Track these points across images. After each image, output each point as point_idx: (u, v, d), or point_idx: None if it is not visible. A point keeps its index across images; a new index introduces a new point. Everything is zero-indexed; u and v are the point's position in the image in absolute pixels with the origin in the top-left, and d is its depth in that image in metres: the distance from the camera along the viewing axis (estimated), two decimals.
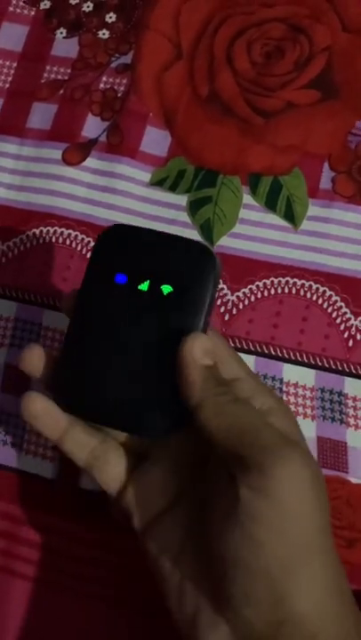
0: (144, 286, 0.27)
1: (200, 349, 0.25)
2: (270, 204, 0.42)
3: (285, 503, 0.21)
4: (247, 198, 0.42)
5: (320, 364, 0.39)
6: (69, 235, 0.42)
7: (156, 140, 0.44)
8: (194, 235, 0.42)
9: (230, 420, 0.23)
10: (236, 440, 0.23)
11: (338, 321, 0.39)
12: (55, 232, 0.42)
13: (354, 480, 0.37)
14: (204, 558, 0.23)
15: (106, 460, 0.28)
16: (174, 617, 0.24)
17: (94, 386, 0.26)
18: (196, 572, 0.24)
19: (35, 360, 0.28)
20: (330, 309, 0.39)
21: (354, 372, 0.38)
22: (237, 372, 0.27)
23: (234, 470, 0.23)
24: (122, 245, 0.28)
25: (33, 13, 0.48)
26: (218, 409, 0.24)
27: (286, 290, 0.40)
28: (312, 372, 0.38)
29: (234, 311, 0.40)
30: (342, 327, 0.39)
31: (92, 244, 0.42)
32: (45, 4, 0.49)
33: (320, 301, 0.40)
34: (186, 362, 0.25)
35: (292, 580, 0.21)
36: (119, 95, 0.45)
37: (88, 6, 0.48)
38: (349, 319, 0.39)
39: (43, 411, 0.27)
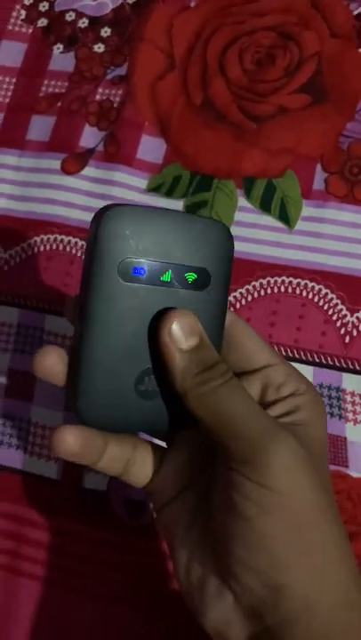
0: (166, 277, 0.24)
1: (179, 330, 0.23)
2: (265, 206, 0.43)
3: (273, 485, 0.21)
4: (242, 201, 0.43)
5: (318, 360, 0.39)
6: (69, 242, 0.43)
7: (151, 147, 0.45)
8: None
9: (214, 410, 0.23)
10: (222, 431, 0.23)
11: (334, 318, 0.40)
12: (55, 239, 0.43)
13: (354, 474, 0.37)
14: (209, 534, 0.24)
15: (136, 463, 0.27)
16: (182, 589, 0.25)
17: (110, 396, 0.24)
18: (202, 547, 0.25)
19: (53, 365, 0.25)
20: (326, 307, 0.40)
21: (351, 367, 0.39)
22: (270, 358, 0.26)
23: (225, 456, 0.23)
24: (128, 230, 0.23)
25: (31, 31, 0.50)
26: (200, 400, 0.23)
27: (283, 289, 0.41)
28: (310, 368, 0.39)
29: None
30: (339, 324, 0.40)
31: None
32: (43, 22, 0.50)
33: (316, 299, 0.40)
34: (163, 347, 0.23)
35: (285, 552, 0.22)
36: (115, 106, 0.46)
37: (83, 22, 0.49)
38: (346, 316, 0.40)
39: (81, 444, 0.24)
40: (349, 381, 0.38)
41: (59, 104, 0.47)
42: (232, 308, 0.41)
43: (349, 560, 0.23)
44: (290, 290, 0.41)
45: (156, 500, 0.27)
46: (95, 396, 0.24)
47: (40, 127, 0.47)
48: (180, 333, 0.23)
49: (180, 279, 0.24)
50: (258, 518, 0.22)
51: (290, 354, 0.39)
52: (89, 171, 0.45)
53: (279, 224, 0.42)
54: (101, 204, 0.44)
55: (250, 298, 0.41)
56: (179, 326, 0.23)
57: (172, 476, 0.27)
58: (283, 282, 0.41)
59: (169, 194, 0.44)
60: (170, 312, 0.23)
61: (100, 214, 0.24)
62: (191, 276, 0.24)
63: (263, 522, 0.22)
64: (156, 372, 0.24)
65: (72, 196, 0.44)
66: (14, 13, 0.51)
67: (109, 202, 0.44)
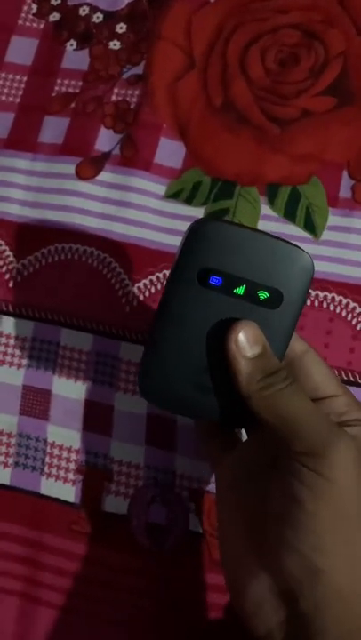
0: (240, 290, 0.27)
1: (245, 340, 0.26)
2: (289, 215, 0.41)
3: (328, 475, 0.23)
4: (265, 209, 0.41)
5: (345, 378, 0.38)
6: (85, 251, 0.41)
7: (170, 151, 0.43)
8: None
9: (277, 411, 0.25)
10: (285, 429, 0.24)
11: None
12: (70, 248, 0.42)
13: None
14: (259, 521, 0.26)
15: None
16: (224, 571, 0.27)
17: (168, 380, 0.27)
18: (248, 533, 0.26)
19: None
20: (354, 322, 0.38)
21: None
22: (335, 390, 0.28)
23: (287, 449, 0.24)
24: (215, 243, 0.27)
25: (42, 26, 0.48)
26: (264, 402, 0.25)
27: (309, 302, 0.39)
28: None
29: None
30: None
31: (108, 259, 0.41)
32: (55, 17, 0.48)
33: (344, 314, 0.39)
34: (230, 354, 0.26)
35: (330, 537, 0.23)
36: (132, 107, 0.44)
37: (98, 17, 0.47)
38: None
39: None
40: None
41: (72, 105, 0.45)
42: None
43: None
44: (316, 304, 0.39)
45: (219, 478, 0.30)
46: (155, 377, 0.27)
47: (53, 129, 0.44)
48: (246, 342, 0.26)
49: (253, 295, 0.27)
50: (310, 502, 0.23)
51: None
52: (105, 176, 0.43)
53: (304, 234, 0.41)
54: (118, 210, 0.42)
55: None
56: (244, 336, 0.26)
57: (236, 463, 0.29)
58: (309, 295, 0.39)
59: (189, 201, 0.42)
60: (237, 322, 0.26)
61: (193, 224, 0.27)
62: (263, 294, 0.27)
63: (314, 505, 0.23)
64: (214, 372, 0.27)
65: (87, 203, 0.42)
66: (25, 7, 0.48)
67: (126, 209, 0.42)
